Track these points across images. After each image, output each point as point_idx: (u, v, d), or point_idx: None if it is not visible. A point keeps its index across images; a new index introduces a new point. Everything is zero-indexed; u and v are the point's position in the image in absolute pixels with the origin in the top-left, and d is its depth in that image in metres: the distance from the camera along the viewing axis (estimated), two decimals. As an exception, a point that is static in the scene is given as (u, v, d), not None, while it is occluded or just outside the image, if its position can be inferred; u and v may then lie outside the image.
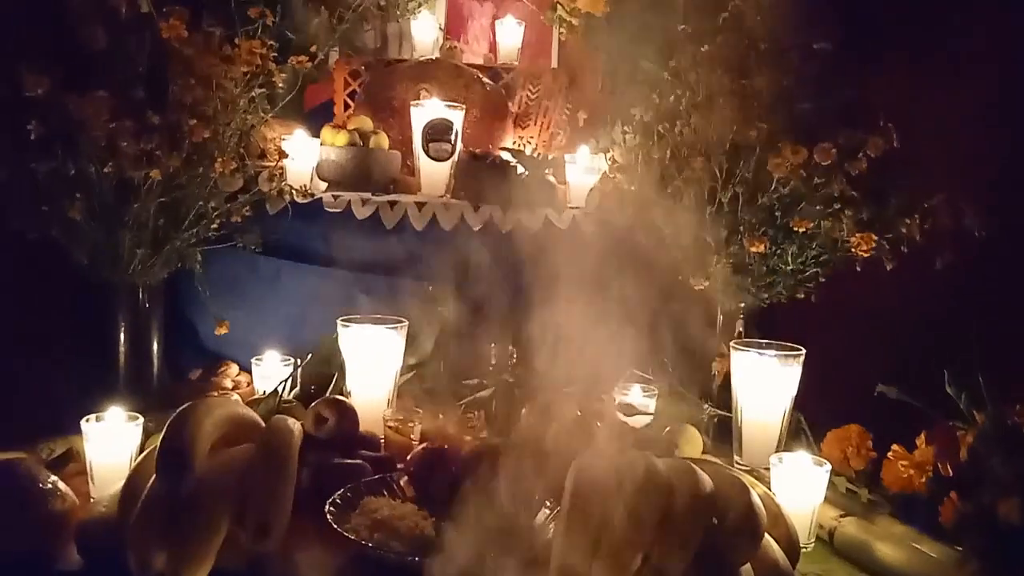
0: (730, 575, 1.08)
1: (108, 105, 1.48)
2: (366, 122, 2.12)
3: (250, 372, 1.82)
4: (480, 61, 2.57)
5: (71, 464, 1.44)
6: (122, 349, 1.70)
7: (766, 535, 1.14)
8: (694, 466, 1.14)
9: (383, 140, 2.10)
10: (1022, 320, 1.61)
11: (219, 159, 1.60)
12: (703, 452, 1.59)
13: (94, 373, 1.68)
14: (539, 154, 2.32)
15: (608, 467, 1.16)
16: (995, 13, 1.64)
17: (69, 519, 1.21)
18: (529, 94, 2.49)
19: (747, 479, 1.24)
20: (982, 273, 1.66)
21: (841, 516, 1.36)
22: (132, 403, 1.45)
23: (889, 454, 1.42)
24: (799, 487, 1.33)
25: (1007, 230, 1.60)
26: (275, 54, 1.70)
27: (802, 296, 1.79)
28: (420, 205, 1.97)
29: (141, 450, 1.37)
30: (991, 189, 1.67)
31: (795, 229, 1.67)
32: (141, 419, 1.38)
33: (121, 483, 1.20)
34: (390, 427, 1.51)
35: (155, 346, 1.76)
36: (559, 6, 2.37)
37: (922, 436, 1.41)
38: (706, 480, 1.13)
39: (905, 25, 1.65)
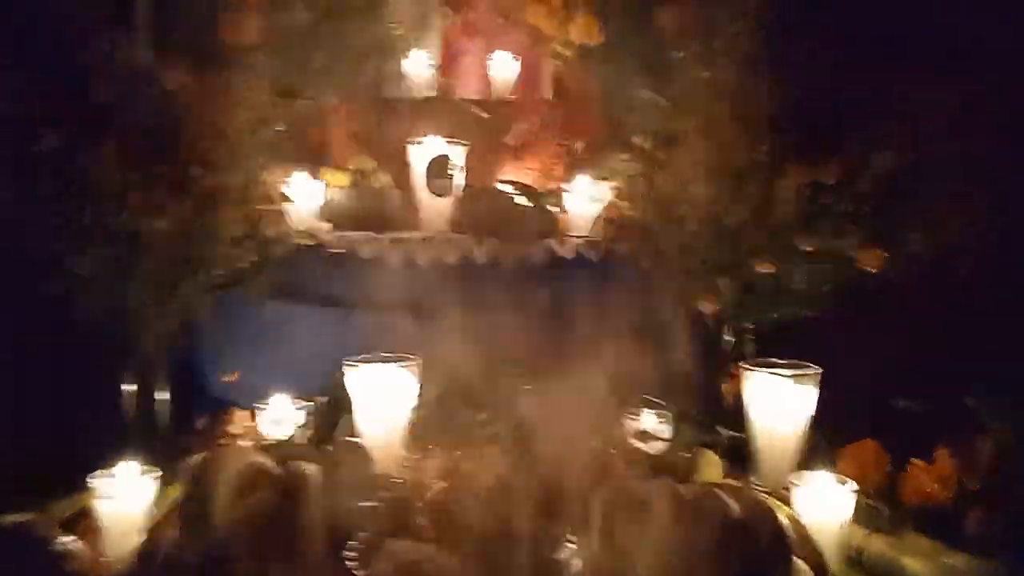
0: (762, 602, 1.06)
1: (117, 156, 1.48)
2: (367, 161, 2.12)
3: (257, 418, 1.80)
4: (475, 97, 2.58)
5: (85, 521, 1.42)
6: (131, 402, 1.69)
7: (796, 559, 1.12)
8: (720, 492, 1.13)
9: (385, 179, 2.11)
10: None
11: (229, 207, 1.60)
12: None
13: (104, 428, 1.66)
14: (539, 186, 2.32)
15: (633, 497, 1.15)
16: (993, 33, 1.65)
17: (86, 579, 1.19)
18: (525, 127, 2.50)
19: (771, 502, 1.22)
20: (989, 284, 1.65)
21: (868, 534, 1.34)
22: (141, 455, 1.43)
23: (909, 468, 1.41)
24: (823, 507, 1.31)
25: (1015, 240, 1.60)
26: (277, 96, 1.71)
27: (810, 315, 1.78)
28: (424, 241, 1.97)
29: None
30: (995, 201, 1.67)
31: (803, 248, 1.67)
32: (157, 472, 1.36)
33: (138, 539, 1.19)
34: (406, 467, 1.50)
35: (164, 397, 1.74)
36: (555, 38, 2.39)
37: (943, 449, 1.40)
38: (733, 507, 1.12)
39: (905, 47, 1.65)
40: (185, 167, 1.60)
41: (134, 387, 1.69)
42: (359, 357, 1.60)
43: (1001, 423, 1.38)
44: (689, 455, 1.54)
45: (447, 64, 2.64)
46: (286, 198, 1.86)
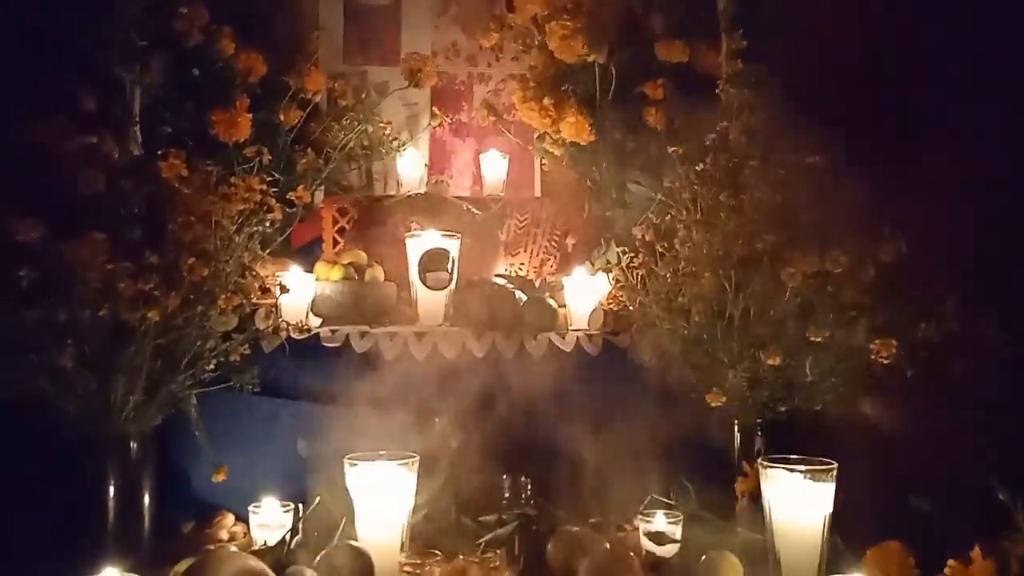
0: None
1: (104, 247, 1.43)
2: (360, 256, 2.09)
3: (247, 521, 1.70)
4: (467, 194, 2.59)
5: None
6: (111, 504, 1.58)
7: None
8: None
9: (379, 272, 2.07)
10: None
11: (222, 296, 1.55)
12: (742, 579, 1.49)
13: (81, 532, 1.55)
14: (534, 279, 2.30)
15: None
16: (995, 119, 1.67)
17: None
18: (517, 223, 2.51)
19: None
20: (1004, 377, 1.62)
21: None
22: (122, 562, 1.33)
23: (946, 570, 1.34)
24: (858, 611, 1.24)
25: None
26: (275, 189, 1.68)
27: (819, 408, 1.73)
28: (420, 335, 1.92)
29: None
30: (1000, 291, 1.66)
31: (810, 339, 1.63)
32: (139, 579, 1.27)
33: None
34: (407, 571, 1.40)
35: (146, 499, 1.64)
36: (547, 136, 2.41)
37: (976, 550, 1.33)
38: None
39: (906, 130, 1.67)
40: (176, 257, 1.54)
41: (116, 489, 1.59)
42: (358, 454, 1.52)
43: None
44: (709, 558, 1.46)
45: (437, 163, 2.66)
46: (285, 289, 1.80)
